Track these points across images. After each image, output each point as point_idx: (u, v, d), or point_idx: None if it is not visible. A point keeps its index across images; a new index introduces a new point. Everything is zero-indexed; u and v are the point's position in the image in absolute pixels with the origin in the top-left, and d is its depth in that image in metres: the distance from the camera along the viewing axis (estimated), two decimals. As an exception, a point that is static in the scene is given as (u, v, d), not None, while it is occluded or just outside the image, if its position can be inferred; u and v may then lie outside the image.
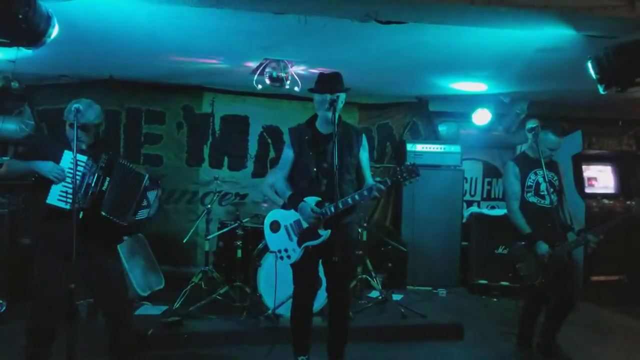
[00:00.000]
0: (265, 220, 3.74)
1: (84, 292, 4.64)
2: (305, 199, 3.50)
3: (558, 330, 4.25)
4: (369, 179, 3.66)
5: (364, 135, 3.73)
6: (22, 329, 3.57)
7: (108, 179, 3.43)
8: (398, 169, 3.48)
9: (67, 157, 3.37)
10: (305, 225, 3.53)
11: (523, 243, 4.15)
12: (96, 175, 3.39)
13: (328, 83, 3.52)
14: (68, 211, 3.29)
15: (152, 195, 3.67)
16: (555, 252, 3.98)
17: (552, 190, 4.17)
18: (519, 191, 4.24)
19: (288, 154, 3.67)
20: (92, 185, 3.37)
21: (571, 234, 4.23)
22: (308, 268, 3.61)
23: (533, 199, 4.22)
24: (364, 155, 3.70)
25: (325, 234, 3.47)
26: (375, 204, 7.13)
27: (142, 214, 3.66)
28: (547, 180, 4.10)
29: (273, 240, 3.68)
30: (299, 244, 3.56)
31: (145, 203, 3.63)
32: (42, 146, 3.51)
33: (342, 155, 3.48)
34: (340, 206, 3.37)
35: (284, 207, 3.71)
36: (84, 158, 3.36)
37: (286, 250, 3.60)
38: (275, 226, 3.68)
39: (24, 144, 5.92)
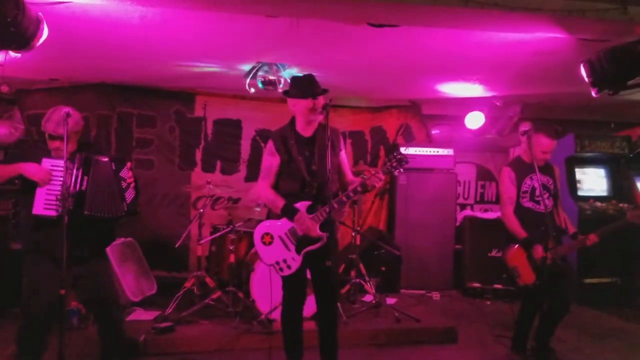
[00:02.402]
0: (255, 235, 3.60)
1: (74, 298, 4.63)
2: (296, 205, 3.47)
3: (552, 334, 4.24)
4: (350, 176, 3.72)
5: (340, 134, 3.75)
6: (13, 336, 3.53)
7: (86, 178, 3.40)
8: (387, 159, 3.51)
9: (46, 165, 3.37)
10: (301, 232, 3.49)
11: (517, 245, 4.15)
12: (74, 176, 3.36)
13: (312, 86, 3.48)
14: (56, 218, 3.28)
15: (125, 173, 3.61)
16: (551, 256, 3.98)
17: (547, 194, 4.17)
18: (514, 196, 4.24)
19: (271, 161, 3.57)
20: (71, 187, 3.33)
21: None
22: (299, 274, 3.56)
23: (528, 204, 4.22)
24: (343, 154, 3.74)
25: (323, 237, 3.44)
26: (369, 208, 7.12)
27: (131, 193, 3.61)
28: (540, 184, 4.10)
29: (268, 253, 3.55)
30: (298, 251, 3.50)
31: (124, 185, 3.58)
32: (24, 154, 3.48)
33: (330, 157, 3.46)
34: (336, 206, 3.38)
35: (270, 217, 3.66)
36: (61, 162, 3.34)
37: (285, 261, 3.50)
38: (267, 239, 3.55)
39: (13, 147, 5.90)
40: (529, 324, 4.36)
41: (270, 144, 3.59)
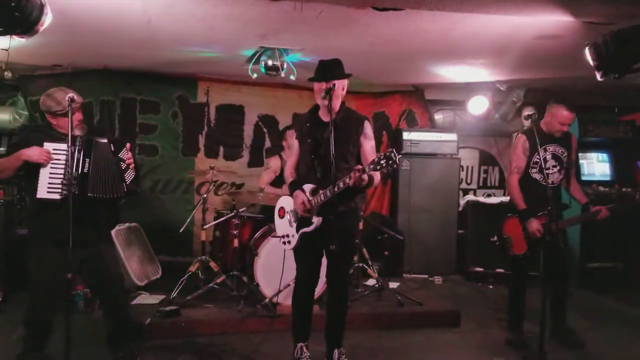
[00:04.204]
0: (276, 206, 3.92)
1: (80, 282, 4.67)
2: (303, 186, 3.53)
3: (566, 313, 4.30)
4: None
5: (366, 122, 3.63)
6: (19, 319, 3.57)
7: (88, 160, 3.41)
8: (376, 158, 3.18)
9: (47, 148, 3.37)
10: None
11: (516, 215, 4.17)
12: (76, 159, 3.37)
13: (325, 71, 3.52)
14: (60, 201, 3.30)
15: (123, 154, 3.60)
16: (551, 230, 3.94)
17: (558, 167, 4.17)
18: (523, 166, 4.24)
19: (293, 143, 3.79)
20: (74, 169, 3.34)
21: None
22: (308, 255, 3.64)
23: (537, 176, 4.22)
24: (366, 143, 3.60)
25: (316, 221, 3.48)
26: (372, 193, 7.13)
27: (130, 174, 3.62)
28: (552, 156, 4.11)
29: (279, 225, 3.83)
30: (297, 230, 3.61)
31: (123, 166, 3.58)
32: (25, 141, 3.47)
33: (340, 144, 3.43)
34: (328, 194, 3.35)
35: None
36: (63, 146, 3.35)
37: (287, 236, 3.71)
38: (282, 212, 3.82)
39: (16, 135, 5.91)
40: (521, 303, 4.42)
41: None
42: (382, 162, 3.13)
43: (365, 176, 3.22)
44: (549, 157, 4.19)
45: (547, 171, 4.17)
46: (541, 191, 4.11)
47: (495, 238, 4.38)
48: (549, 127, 4.21)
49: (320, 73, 3.53)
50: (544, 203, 4.00)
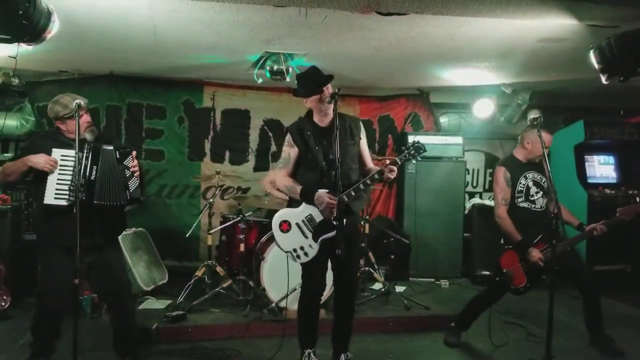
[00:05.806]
0: (274, 222, 3.61)
1: (88, 287, 4.69)
2: (320, 191, 3.48)
3: (602, 320, 4.24)
4: (370, 164, 3.76)
5: (360, 122, 3.78)
6: (26, 325, 3.59)
7: (95, 167, 3.43)
8: (404, 147, 3.64)
9: (56, 155, 3.40)
10: (319, 219, 3.52)
11: (510, 249, 4.18)
12: (84, 166, 3.39)
13: (316, 81, 3.52)
14: (67, 207, 3.31)
15: (128, 161, 3.60)
16: (552, 254, 3.94)
17: (541, 192, 4.19)
18: (509, 197, 4.23)
19: (289, 152, 3.63)
20: (81, 176, 3.36)
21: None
22: (318, 262, 3.59)
23: (524, 204, 4.22)
24: (364, 142, 3.76)
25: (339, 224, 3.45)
26: (377, 197, 7.13)
27: (134, 182, 3.62)
28: (533, 183, 4.19)
29: (285, 240, 3.56)
30: (316, 238, 3.53)
31: (128, 173, 3.58)
32: (33, 147, 3.50)
33: (346, 145, 3.51)
34: (353, 193, 3.45)
35: (290, 205, 3.68)
36: (71, 152, 3.37)
37: (302, 248, 3.52)
38: (285, 226, 3.57)
39: (23, 141, 5.95)
40: (481, 312, 4.48)
41: (288, 136, 3.65)
42: (412, 152, 3.56)
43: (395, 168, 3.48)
44: (530, 184, 4.22)
45: (532, 197, 4.22)
46: (533, 218, 4.18)
47: (497, 278, 4.34)
48: (528, 155, 4.23)
49: (318, 80, 3.51)
50: (539, 228, 4.07)
